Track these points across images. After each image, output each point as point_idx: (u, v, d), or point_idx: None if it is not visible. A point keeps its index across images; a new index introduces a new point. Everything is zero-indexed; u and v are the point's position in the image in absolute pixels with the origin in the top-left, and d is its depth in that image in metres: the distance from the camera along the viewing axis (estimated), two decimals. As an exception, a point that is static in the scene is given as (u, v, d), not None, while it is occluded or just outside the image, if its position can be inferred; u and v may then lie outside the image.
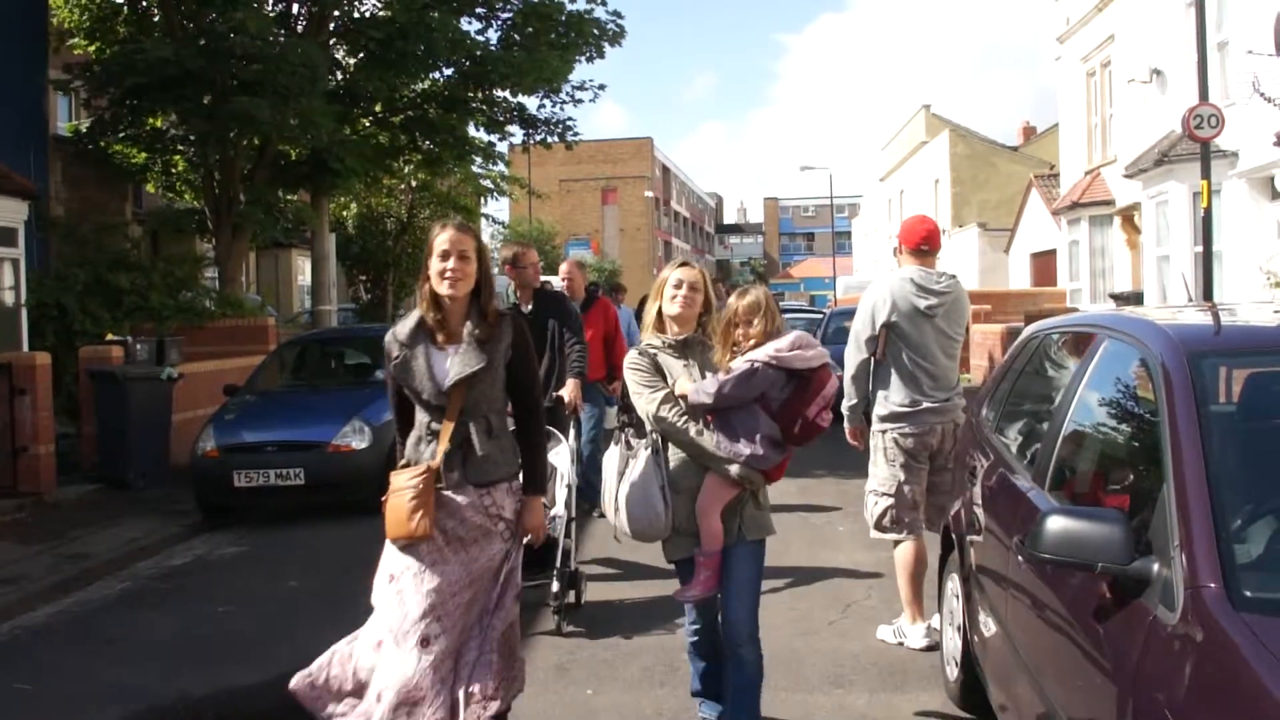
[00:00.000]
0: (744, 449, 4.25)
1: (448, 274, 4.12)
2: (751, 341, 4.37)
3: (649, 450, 4.40)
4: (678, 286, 4.44)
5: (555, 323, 8.06)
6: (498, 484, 4.23)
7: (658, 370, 4.43)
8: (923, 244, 6.05)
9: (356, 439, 9.95)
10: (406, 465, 4.23)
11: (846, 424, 6.28)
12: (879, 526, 6.06)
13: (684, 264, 4.56)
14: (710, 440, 4.31)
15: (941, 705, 5.15)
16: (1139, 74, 20.84)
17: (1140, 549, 2.80)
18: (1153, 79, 20.43)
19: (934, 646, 5.70)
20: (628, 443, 4.50)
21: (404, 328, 4.28)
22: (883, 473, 5.99)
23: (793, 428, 4.32)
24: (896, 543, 6.02)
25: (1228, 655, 2.46)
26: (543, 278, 13.93)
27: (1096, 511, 2.94)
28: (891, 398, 5.91)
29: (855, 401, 6.12)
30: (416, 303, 4.31)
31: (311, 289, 22.85)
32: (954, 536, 5.16)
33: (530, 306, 8.10)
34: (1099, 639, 2.91)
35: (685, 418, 4.34)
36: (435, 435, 4.19)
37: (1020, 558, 3.69)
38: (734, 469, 4.27)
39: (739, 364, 4.31)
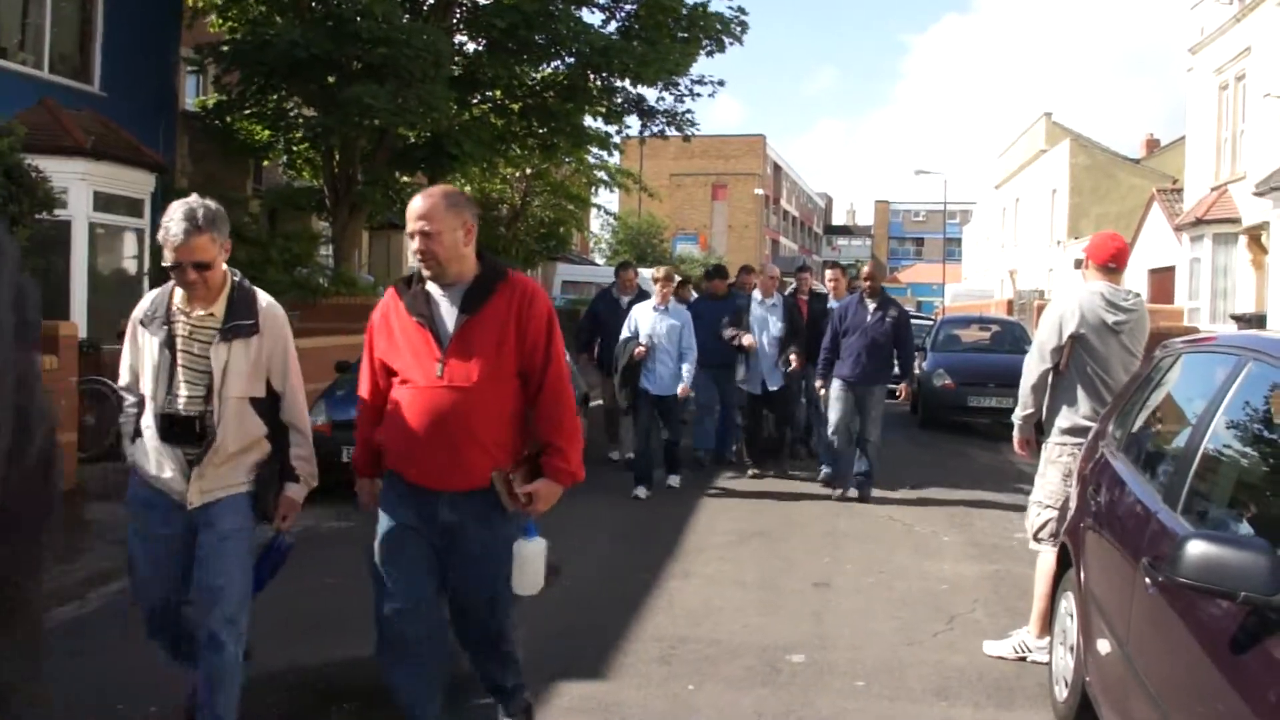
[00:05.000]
0: None
1: None
2: None
3: None
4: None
5: None
6: None
7: None
8: (1110, 261, 5.97)
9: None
10: None
11: (1016, 433, 6.21)
12: (1037, 538, 5.95)
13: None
14: None
15: (1050, 725, 5.05)
16: (1276, 88, 20.20)
17: (1286, 580, 2.69)
18: (1290, 94, 19.81)
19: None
20: None
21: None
22: (1053, 485, 5.86)
23: None
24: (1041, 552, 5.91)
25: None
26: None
27: (1241, 538, 2.84)
28: (1079, 411, 5.80)
29: (1030, 411, 6.04)
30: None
31: (422, 271, 23.18)
32: (1071, 554, 5.04)
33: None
34: (1236, 671, 2.80)
35: None
36: None
37: (1148, 580, 3.59)
38: None
39: None
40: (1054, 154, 40.06)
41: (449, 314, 4.06)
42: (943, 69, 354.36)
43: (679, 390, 10.59)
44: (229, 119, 18.25)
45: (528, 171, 26.07)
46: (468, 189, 26.11)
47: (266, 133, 18.62)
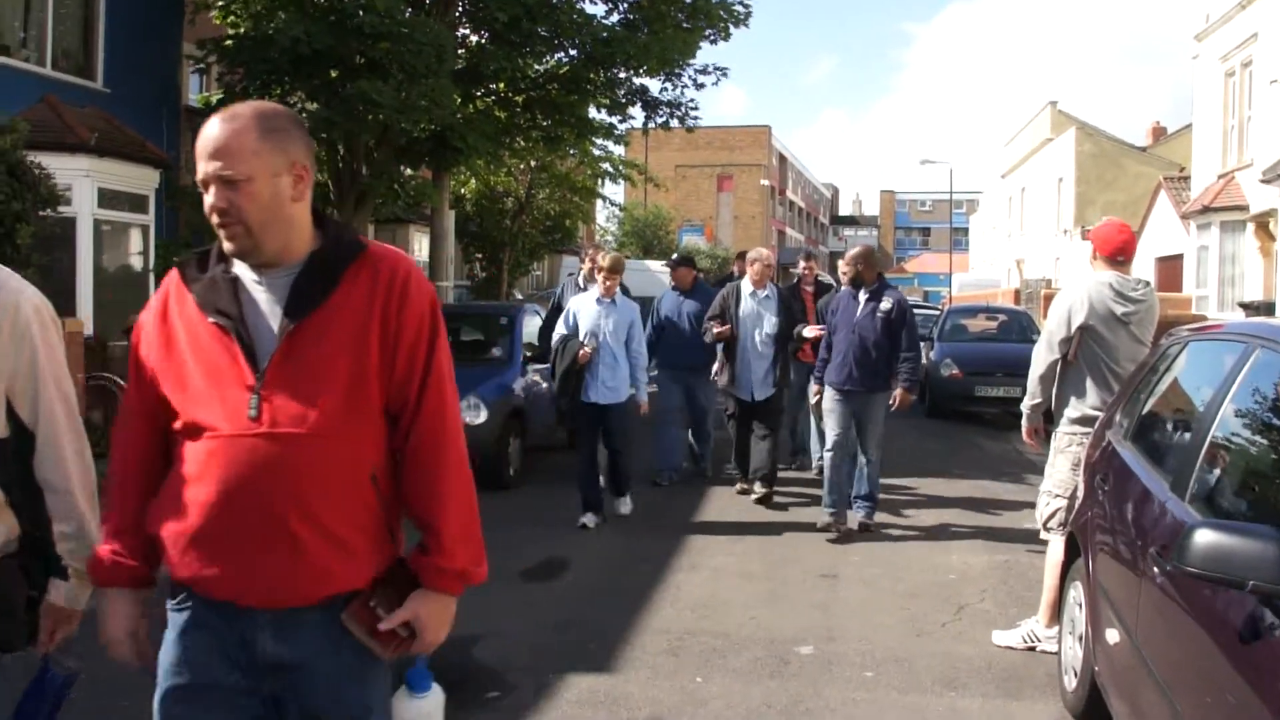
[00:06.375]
0: None
1: None
2: None
3: None
4: None
5: None
6: None
7: None
8: (1118, 253, 5.95)
9: (472, 414, 9.97)
10: None
11: (1025, 423, 6.21)
12: (1046, 527, 5.95)
13: None
14: None
15: (1059, 716, 5.03)
16: (1282, 75, 20.14)
17: (1295, 568, 2.67)
18: (1296, 80, 19.72)
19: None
20: None
21: None
22: (1062, 475, 5.86)
23: None
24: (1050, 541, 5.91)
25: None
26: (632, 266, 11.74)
27: (1250, 527, 2.81)
28: (1088, 401, 5.80)
29: (1039, 401, 6.04)
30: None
31: (429, 265, 23.14)
32: (1080, 543, 5.02)
33: None
34: (1245, 660, 2.78)
35: None
36: None
37: (1156, 569, 3.57)
38: None
39: None
40: (1060, 142, 39.96)
41: (270, 313, 2.38)
42: (947, 58, 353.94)
43: (639, 410, 9.27)
44: (232, 114, 18.20)
45: (532, 164, 26.00)
46: (472, 183, 26.04)
47: (270, 127, 18.56)
